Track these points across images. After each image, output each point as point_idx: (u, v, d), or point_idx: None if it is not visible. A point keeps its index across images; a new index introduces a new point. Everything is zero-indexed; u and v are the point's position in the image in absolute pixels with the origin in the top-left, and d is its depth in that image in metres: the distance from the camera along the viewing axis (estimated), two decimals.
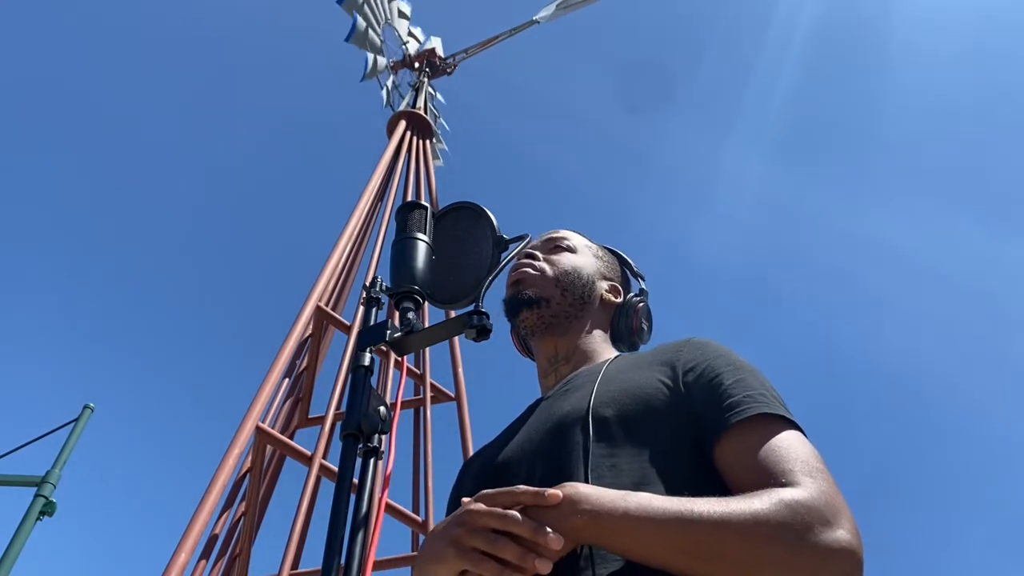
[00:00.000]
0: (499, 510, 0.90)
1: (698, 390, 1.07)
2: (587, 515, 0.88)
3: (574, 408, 1.13)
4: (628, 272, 1.50)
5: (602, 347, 1.34)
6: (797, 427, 1.01)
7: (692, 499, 0.89)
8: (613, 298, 1.40)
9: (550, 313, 1.32)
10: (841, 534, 0.87)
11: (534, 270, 1.36)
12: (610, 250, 1.51)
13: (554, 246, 1.41)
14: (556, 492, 0.90)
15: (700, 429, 1.03)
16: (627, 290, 1.46)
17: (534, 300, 1.32)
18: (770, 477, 0.93)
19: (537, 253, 1.39)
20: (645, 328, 1.41)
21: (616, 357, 1.29)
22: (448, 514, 1.24)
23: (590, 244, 1.47)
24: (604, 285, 1.41)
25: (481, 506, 0.91)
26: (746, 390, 1.04)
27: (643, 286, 1.46)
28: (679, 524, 0.86)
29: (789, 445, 0.97)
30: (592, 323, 1.36)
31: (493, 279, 1.12)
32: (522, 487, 0.92)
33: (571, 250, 1.41)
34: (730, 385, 1.05)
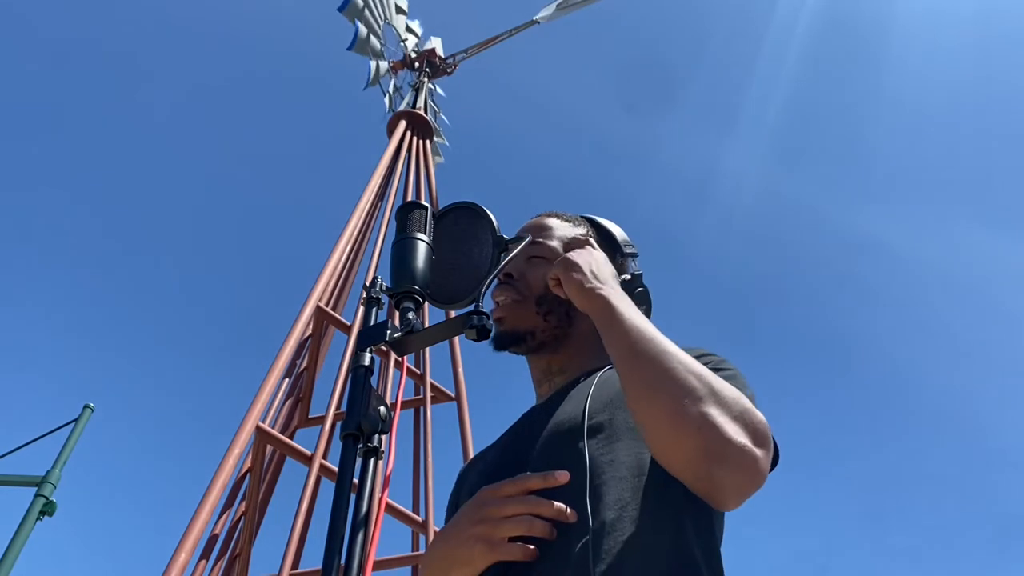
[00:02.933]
0: (524, 496, 0.97)
1: None
2: (600, 305, 1.11)
3: (569, 415, 1.13)
4: (619, 254, 1.39)
5: (597, 351, 1.28)
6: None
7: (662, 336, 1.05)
8: None
9: (536, 342, 1.29)
10: (752, 442, 0.95)
11: (512, 299, 1.30)
12: (596, 225, 1.43)
13: (531, 256, 1.33)
14: (564, 472, 0.97)
15: None
16: (620, 272, 1.35)
17: (518, 336, 1.29)
18: None
19: (513, 272, 1.32)
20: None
21: (612, 366, 1.27)
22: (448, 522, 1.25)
23: (576, 227, 1.40)
24: None
25: (496, 498, 0.98)
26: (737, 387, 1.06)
27: (635, 268, 1.38)
28: (641, 330, 1.05)
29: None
30: (583, 331, 1.30)
31: (493, 279, 1.12)
32: (529, 474, 0.99)
33: (551, 257, 1.32)
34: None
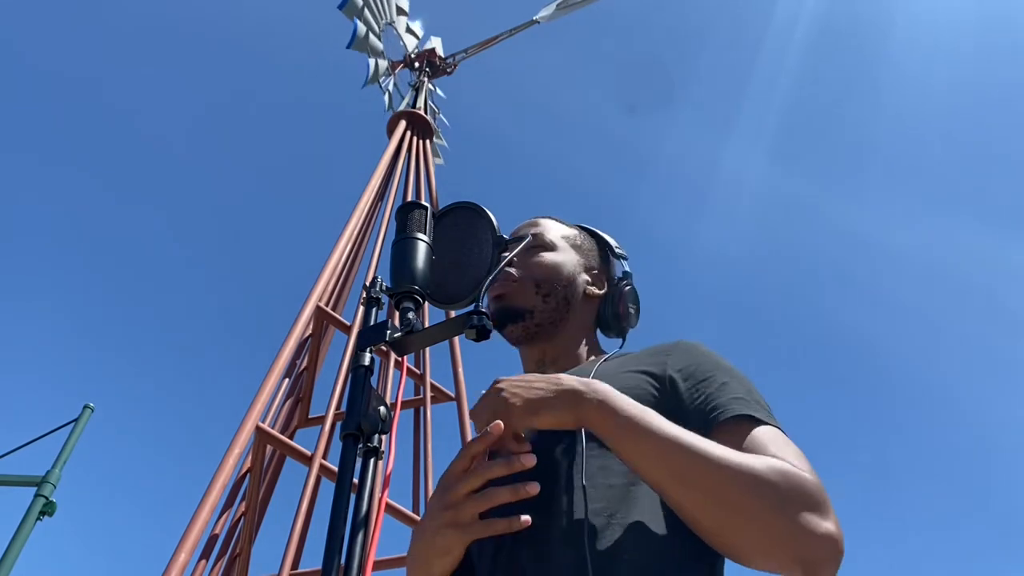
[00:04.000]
0: (471, 470, 0.96)
1: (686, 391, 1.07)
2: (596, 404, 0.95)
3: None
4: (610, 254, 1.45)
5: (590, 346, 1.34)
6: (781, 430, 1.01)
7: (694, 433, 0.93)
8: (596, 290, 1.37)
9: (535, 323, 1.30)
10: (828, 523, 0.89)
11: (513, 280, 1.33)
12: (588, 231, 1.47)
13: (530, 247, 1.36)
14: (497, 423, 0.96)
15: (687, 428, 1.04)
16: (610, 274, 1.42)
17: (518, 312, 1.30)
18: None
19: (514, 259, 1.34)
20: (632, 312, 1.37)
21: (604, 359, 1.27)
22: None
23: (567, 232, 1.42)
24: (585, 278, 1.37)
25: (453, 478, 0.97)
26: (732, 393, 1.04)
27: (626, 267, 1.42)
28: (676, 447, 0.91)
29: (776, 439, 0.98)
30: (577, 321, 1.34)
31: (493, 279, 1.12)
32: (471, 441, 0.98)
33: (548, 247, 1.37)
34: (718, 388, 1.05)
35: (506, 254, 1.18)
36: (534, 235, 1.37)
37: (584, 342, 1.34)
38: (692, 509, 0.91)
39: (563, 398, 0.97)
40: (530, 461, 0.93)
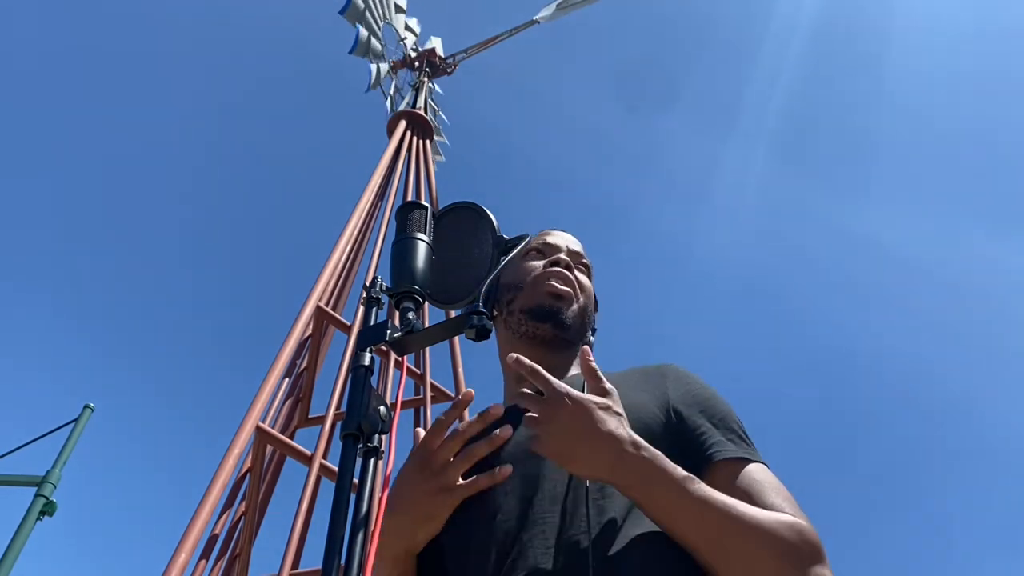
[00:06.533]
0: (447, 434, 1.01)
1: (688, 420, 1.12)
2: (637, 459, 0.96)
3: None
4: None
5: (574, 360, 1.34)
6: (766, 465, 1.09)
7: (721, 494, 0.97)
8: (592, 334, 1.41)
9: (565, 337, 1.30)
10: (828, 572, 0.95)
11: (576, 292, 1.33)
12: None
13: (581, 264, 1.39)
14: (468, 391, 1.04)
15: (685, 457, 1.06)
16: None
17: (566, 325, 1.30)
18: (762, 506, 1.00)
19: (572, 264, 1.36)
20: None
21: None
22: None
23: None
24: (594, 314, 1.41)
25: (430, 450, 1.02)
26: (726, 431, 1.11)
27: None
28: (712, 510, 0.95)
29: (766, 479, 1.06)
30: (578, 345, 1.35)
31: (493, 279, 1.12)
32: (466, 423, 1.05)
33: (589, 274, 1.41)
34: (712, 426, 1.12)
35: (505, 255, 1.18)
36: (583, 257, 1.41)
37: (572, 357, 1.35)
38: (722, 567, 0.95)
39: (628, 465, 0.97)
40: (506, 433, 0.99)
